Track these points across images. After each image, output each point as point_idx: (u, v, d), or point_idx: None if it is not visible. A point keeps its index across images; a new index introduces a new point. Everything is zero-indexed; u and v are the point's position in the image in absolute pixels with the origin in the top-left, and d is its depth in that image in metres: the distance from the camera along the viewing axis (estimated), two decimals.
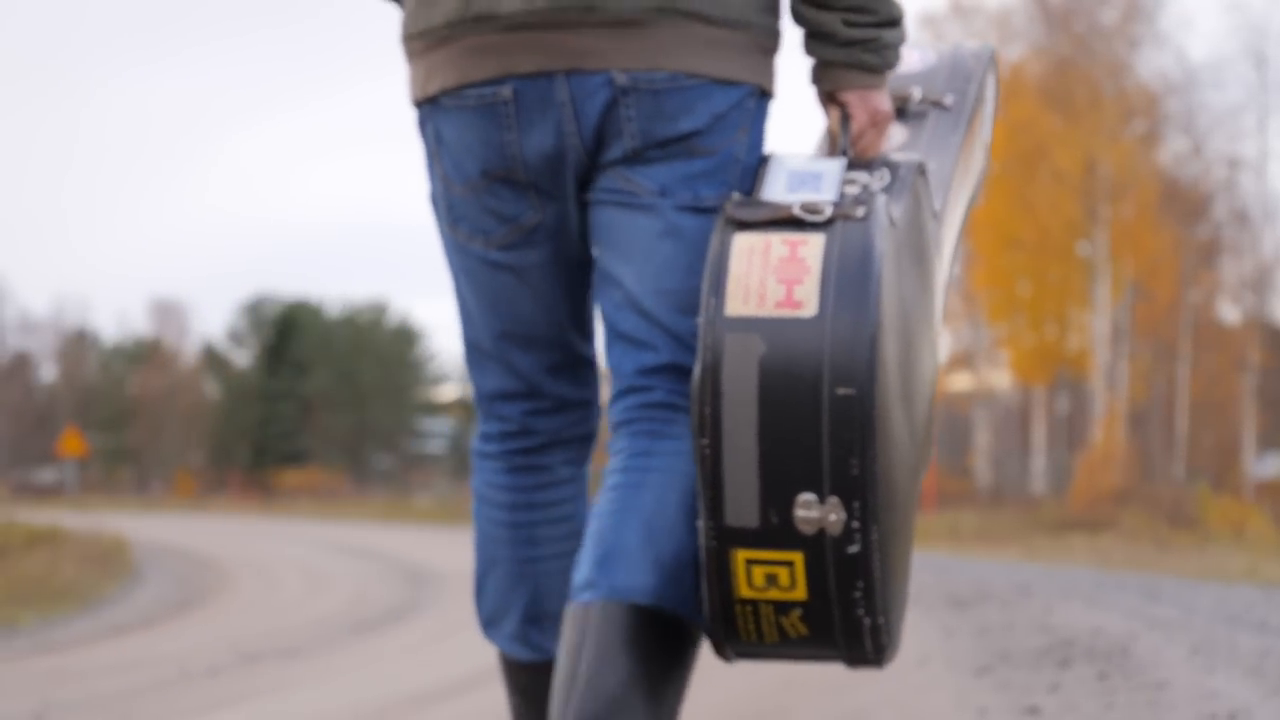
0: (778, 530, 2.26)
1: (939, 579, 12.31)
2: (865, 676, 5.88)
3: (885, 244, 2.26)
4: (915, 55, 2.71)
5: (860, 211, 2.28)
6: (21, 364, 59.59)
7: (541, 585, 2.53)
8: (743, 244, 2.28)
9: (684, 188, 2.38)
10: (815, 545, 2.26)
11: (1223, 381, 32.30)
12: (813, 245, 2.26)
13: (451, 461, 60.94)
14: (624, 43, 2.35)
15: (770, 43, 2.43)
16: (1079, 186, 28.39)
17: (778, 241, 2.28)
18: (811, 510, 2.25)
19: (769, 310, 2.24)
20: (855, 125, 2.44)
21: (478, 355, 2.55)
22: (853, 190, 2.34)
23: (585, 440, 2.59)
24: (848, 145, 2.43)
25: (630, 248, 2.40)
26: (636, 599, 2.28)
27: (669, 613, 2.29)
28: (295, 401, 59.53)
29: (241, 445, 58.90)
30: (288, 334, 60.55)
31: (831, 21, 2.38)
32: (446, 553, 18.65)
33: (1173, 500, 23.76)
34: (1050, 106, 28.64)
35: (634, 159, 2.38)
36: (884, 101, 2.44)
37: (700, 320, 2.26)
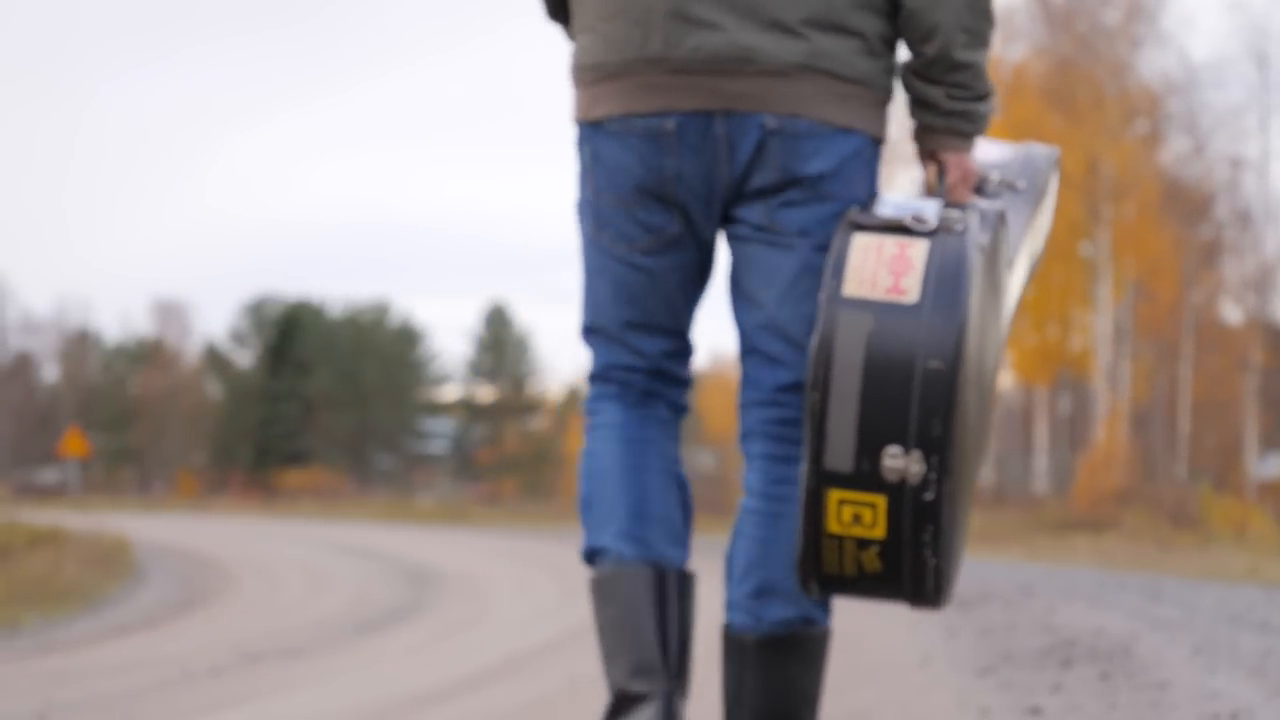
0: (867, 475, 2.71)
1: None
2: (866, 676, 5.89)
3: (975, 258, 2.75)
4: (994, 149, 3.13)
5: (959, 227, 2.76)
6: (23, 364, 59.62)
7: (649, 488, 2.94)
8: (860, 242, 2.76)
9: (820, 228, 2.85)
10: (897, 491, 2.71)
11: (1225, 382, 32.30)
12: (918, 248, 2.74)
13: (453, 462, 60.98)
14: (773, 91, 2.83)
15: (885, 97, 2.92)
16: (1081, 186, 28.39)
17: (890, 242, 2.75)
18: (897, 460, 2.71)
19: (879, 294, 2.72)
20: (950, 178, 2.90)
21: (603, 338, 2.99)
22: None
23: (683, 411, 3.03)
24: (943, 193, 2.89)
25: (774, 278, 2.88)
26: (795, 630, 2.87)
27: (815, 630, 2.88)
28: (297, 402, 59.57)
29: (243, 445, 58.92)
30: (290, 334, 60.58)
31: (937, 94, 2.87)
32: (448, 553, 18.67)
33: (1175, 500, 23.78)
34: (1052, 106, 28.65)
35: (774, 196, 2.85)
36: (973, 161, 2.92)
37: (821, 296, 2.74)
